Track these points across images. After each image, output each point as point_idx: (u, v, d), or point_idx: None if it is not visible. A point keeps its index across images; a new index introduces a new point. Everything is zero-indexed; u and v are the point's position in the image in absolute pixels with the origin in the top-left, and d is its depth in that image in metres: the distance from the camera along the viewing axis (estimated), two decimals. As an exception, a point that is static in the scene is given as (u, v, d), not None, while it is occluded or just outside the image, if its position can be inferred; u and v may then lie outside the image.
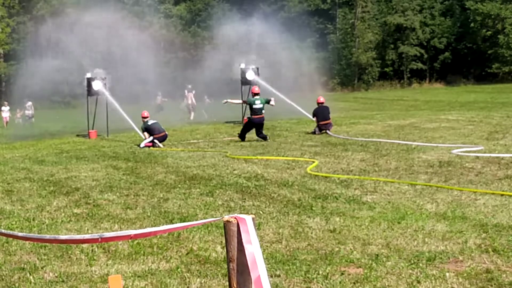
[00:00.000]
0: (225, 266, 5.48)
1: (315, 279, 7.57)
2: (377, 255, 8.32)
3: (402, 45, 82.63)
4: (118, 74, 40.71)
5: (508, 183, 13.00)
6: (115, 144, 26.11)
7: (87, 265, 8.50)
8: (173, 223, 10.58)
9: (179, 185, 14.46)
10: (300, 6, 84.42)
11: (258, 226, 9.97)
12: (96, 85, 30.91)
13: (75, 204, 12.79)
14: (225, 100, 26.60)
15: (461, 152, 17.63)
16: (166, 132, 25.20)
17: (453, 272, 7.56)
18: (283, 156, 18.95)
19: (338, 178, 14.43)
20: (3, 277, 8.20)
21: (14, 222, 11.28)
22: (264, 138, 24.05)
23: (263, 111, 24.73)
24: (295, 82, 58.62)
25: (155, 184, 14.80)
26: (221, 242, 8.89)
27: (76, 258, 8.82)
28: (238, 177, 15.28)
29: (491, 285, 7.15)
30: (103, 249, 9.14)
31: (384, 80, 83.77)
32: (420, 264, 7.88)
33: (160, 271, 8.13)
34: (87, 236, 5.82)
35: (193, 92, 47.34)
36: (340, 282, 7.42)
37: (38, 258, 8.91)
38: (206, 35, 74.24)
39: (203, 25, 78.62)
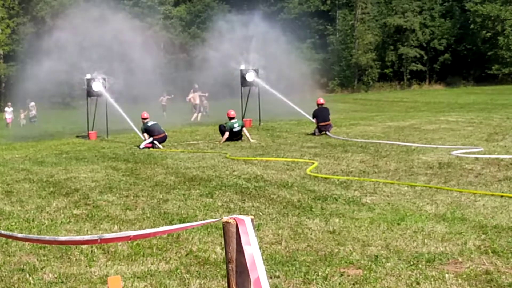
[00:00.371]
0: (225, 267, 5.48)
1: (314, 280, 7.57)
2: (377, 256, 8.32)
3: (402, 47, 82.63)
4: (117, 75, 40.70)
5: (508, 184, 13.00)
6: (114, 145, 26.11)
7: (86, 266, 8.50)
8: (172, 224, 10.58)
9: (179, 186, 14.46)
10: (300, 7, 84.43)
11: (257, 227, 9.97)
12: (96, 86, 30.90)
13: (74, 205, 12.79)
14: (221, 141, 26.13)
15: (460, 153, 17.63)
16: (166, 133, 25.21)
17: (453, 274, 7.56)
18: (282, 157, 18.94)
19: (338, 179, 14.43)
20: (3, 278, 8.21)
21: (13, 223, 11.28)
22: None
23: (243, 131, 25.44)
24: (295, 83, 58.61)
25: (154, 185, 14.80)
26: (221, 243, 8.89)
27: (76, 259, 8.83)
28: (238, 178, 15.28)
29: (491, 287, 7.16)
30: (103, 250, 9.14)
31: (384, 81, 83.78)
32: (420, 265, 7.88)
33: (159, 272, 8.13)
34: (86, 237, 5.81)
35: (199, 92, 47.24)
36: (339, 283, 7.43)
37: (37, 259, 8.91)
38: (206, 36, 74.17)
39: (203, 26, 78.59)
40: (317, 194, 12.81)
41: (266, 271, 4.94)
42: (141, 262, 8.58)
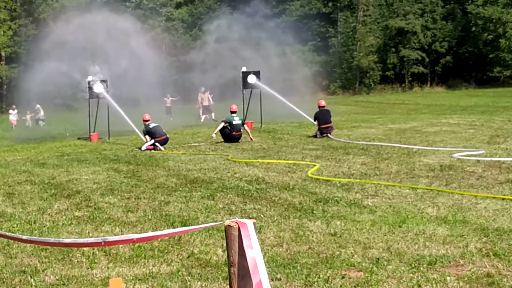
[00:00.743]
0: (226, 269, 5.49)
1: (316, 283, 7.57)
2: (378, 258, 8.32)
3: (403, 49, 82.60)
4: (119, 77, 40.73)
5: (509, 187, 13.00)
6: (116, 147, 26.12)
7: (88, 268, 8.51)
8: (174, 226, 10.60)
9: (180, 188, 14.47)
10: (302, 9, 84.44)
11: (259, 230, 9.98)
12: (97, 88, 30.92)
13: (76, 207, 12.80)
14: (214, 135, 26.40)
15: (462, 156, 17.63)
16: (168, 135, 25.23)
17: (454, 276, 7.56)
18: (284, 159, 18.95)
19: (339, 182, 14.43)
20: (4, 280, 8.21)
21: (15, 225, 11.29)
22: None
23: (241, 129, 25.59)
24: (296, 86, 58.59)
25: (156, 187, 14.80)
26: (222, 245, 8.89)
27: (77, 261, 8.83)
28: (239, 180, 15.29)
29: (492, 289, 7.17)
30: (104, 252, 9.15)
31: (386, 83, 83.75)
32: (421, 268, 7.88)
33: (161, 274, 8.13)
34: (90, 240, 5.83)
35: (208, 93, 47.30)
36: (341, 286, 7.43)
37: (39, 261, 8.92)
38: (208, 39, 74.20)
39: (204, 28, 78.60)
40: (319, 196, 12.82)
41: (267, 273, 4.94)
42: (142, 264, 8.59)
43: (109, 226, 10.94)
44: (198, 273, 8.07)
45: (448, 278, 7.51)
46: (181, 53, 78.71)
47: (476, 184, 13.58)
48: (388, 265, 8.03)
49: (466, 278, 7.48)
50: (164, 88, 53.09)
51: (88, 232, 10.57)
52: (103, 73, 33.92)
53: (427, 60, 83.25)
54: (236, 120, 25.54)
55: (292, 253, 8.81)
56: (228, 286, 5.06)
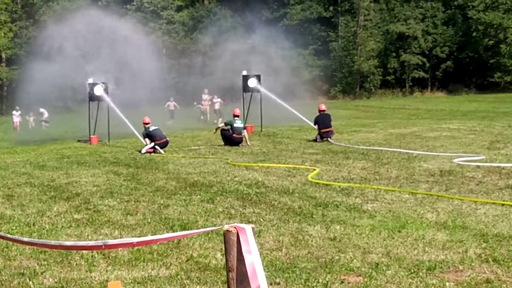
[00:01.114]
0: (225, 273, 5.48)
1: (315, 287, 7.56)
2: (377, 263, 8.32)
3: (404, 54, 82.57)
4: (120, 80, 40.75)
5: (509, 192, 12.99)
6: (116, 150, 26.12)
7: (87, 271, 8.50)
8: (173, 230, 10.59)
9: (180, 192, 14.46)
10: (302, 13, 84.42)
11: (258, 234, 9.97)
12: (98, 91, 30.92)
13: (75, 209, 12.79)
14: (216, 129, 27.08)
15: (462, 161, 17.62)
16: (168, 138, 25.24)
17: (453, 282, 7.55)
18: (284, 163, 18.94)
19: (339, 186, 14.43)
20: (3, 282, 8.20)
21: (14, 227, 11.28)
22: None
23: (242, 132, 25.52)
24: (297, 90, 58.57)
25: (155, 190, 14.80)
26: (221, 249, 8.89)
27: (76, 264, 8.82)
28: (239, 184, 15.29)
29: (491, 295, 7.16)
30: (103, 255, 9.14)
31: (386, 88, 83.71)
32: (420, 273, 7.87)
33: (159, 277, 8.12)
34: (91, 243, 5.83)
35: (215, 97, 47.37)
36: (340, 291, 7.43)
37: (38, 264, 8.91)
38: (208, 42, 74.24)
39: (205, 32, 78.66)
40: (318, 200, 12.81)
41: (266, 277, 4.94)
42: (141, 267, 8.58)
43: (108, 229, 10.93)
44: (197, 277, 8.07)
45: (447, 283, 7.50)
46: (182, 56, 78.77)
47: (476, 189, 13.57)
48: (387, 270, 8.02)
49: (465, 284, 7.47)
50: (163, 91, 53.05)
51: (87, 235, 10.57)
52: (102, 75, 33.88)
53: (427, 65, 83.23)
54: (238, 123, 25.57)
55: (291, 257, 8.80)
56: (227, 291, 5.05)
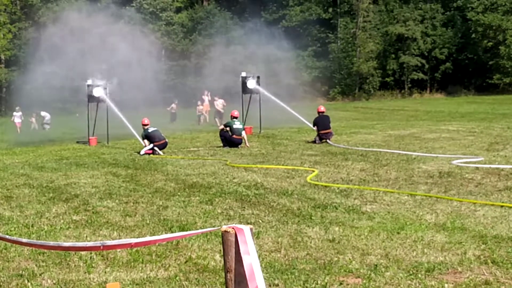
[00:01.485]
0: (224, 274, 5.47)
1: (313, 289, 7.56)
2: (376, 265, 8.31)
3: (403, 55, 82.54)
4: (119, 81, 40.73)
5: (508, 194, 12.99)
6: (115, 151, 26.11)
7: (85, 273, 8.49)
8: (172, 231, 10.58)
9: (179, 193, 14.46)
10: (302, 15, 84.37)
11: (257, 235, 9.97)
12: (97, 92, 30.92)
13: (74, 210, 12.78)
14: (221, 127, 27.36)
15: (461, 163, 17.62)
16: (166, 140, 25.24)
17: (452, 283, 7.55)
18: (283, 165, 18.94)
19: (338, 188, 14.42)
20: (1, 283, 8.19)
21: (13, 228, 11.27)
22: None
23: (241, 134, 25.56)
24: (296, 91, 58.58)
25: (154, 192, 14.79)
26: (220, 250, 8.87)
27: (75, 265, 8.81)
28: (238, 185, 15.28)
29: (490, 297, 7.16)
30: (102, 256, 9.13)
31: (385, 90, 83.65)
32: (419, 275, 7.87)
33: (158, 279, 8.12)
34: (89, 244, 5.82)
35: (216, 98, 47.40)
36: (338, 292, 7.42)
37: (36, 265, 8.90)
38: (207, 43, 74.23)
39: (204, 33, 78.65)
40: (317, 202, 12.81)
41: (265, 279, 4.93)
42: (140, 268, 8.57)
43: (107, 230, 10.92)
44: (196, 278, 8.06)
45: (446, 285, 7.50)
46: (181, 57, 78.75)
47: (474, 191, 13.57)
48: (386, 272, 8.02)
49: (464, 286, 7.47)
50: (162, 93, 53.04)
51: (86, 236, 10.56)
52: (102, 77, 33.87)
53: (426, 66, 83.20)
54: (237, 125, 25.61)
55: (290, 259, 8.79)
56: (225, 292, 5.05)
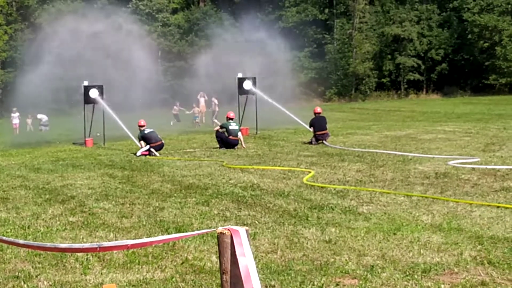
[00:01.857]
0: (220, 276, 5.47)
1: (310, 290, 7.56)
2: (372, 266, 8.31)
3: (399, 56, 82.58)
4: (115, 82, 40.69)
5: (504, 195, 13.00)
6: (111, 153, 26.10)
7: (81, 274, 8.48)
8: (168, 232, 10.58)
9: (175, 194, 14.45)
10: (298, 16, 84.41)
11: (253, 236, 9.96)
12: (93, 93, 30.91)
13: (70, 212, 12.77)
14: (216, 127, 27.54)
15: (457, 163, 17.63)
16: (163, 141, 25.23)
17: (448, 284, 7.55)
18: (279, 166, 18.94)
19: (334, 189, 14.42)
20: (-3, 285, 8.19)
21: (9, 230, 11.26)
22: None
23: (238, 134, 25.58)
24: (292, 92, 58.59)
25: (151, 193, 14.79)
26: (216, 252, 8.83)
27: (71, 267, 8.81)
28: (234, 186, 15.28)
29: (486, 298, 7.16)
30: (98, 258, 9.13)
31: (381, 90, 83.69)
32: (415, 276, 7.87)
33: (154, 280, 8.11)
34: (86, 245, 5.82)
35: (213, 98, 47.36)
36: (335, 293, 7.42)
37: (32, 267, 8.89)
38: (204, 44, 74.20)
39: (200, 34, 78.63)
40: (314, 203, 12.81)
41: (261, 280, 4.94)
42: (136, 270, 8.57)
43: (103, 231, 10.91)
44: (192, 280, 8.06)
45: (442, 286, 7.50)
46: (177, 58, 78.74)
47: (471, 191, 13.58)
48: (383, 273, 8.02)
49: (460, 286, 7.47)
50: (158, 94, 53.00)
51: (82, 238, 10.55)
52: (98, 79, 33.87)
53: (423, 67, 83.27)
54: (233, 126, 25.60)
55: (287, 260, 8.79)
56: (222, 294, 5.05)
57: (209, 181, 16.30)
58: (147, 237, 10.16)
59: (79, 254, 9.14)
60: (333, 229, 10.38)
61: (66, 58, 43.96)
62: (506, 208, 11.62)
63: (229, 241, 4.91)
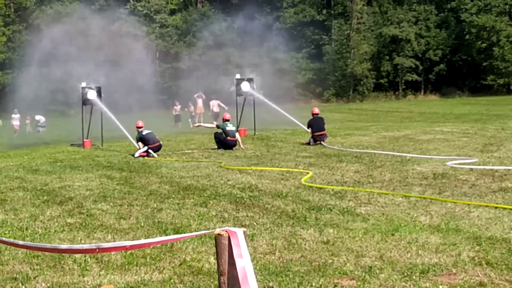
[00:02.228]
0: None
1: (308, 291, 7.56)
2: (371, 267, 8.31)
3: (397, 57, 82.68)
4: (113, 84, 40.70)
5: (502, 195, 13.00)
6: (109, 154, 26.09)
7: (79, 276, 8.47)
8: (166, 234, 10.57)
9: (173, 195, 14.44)
10: (296, 17, 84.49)
11: (251, 237, 9.96)
12: (91, 95, 30.90)
13: (68, 213, 12.76)
14: (198, 124, 27.36)
15: (455, 164, 17.63)
16: (161, 142, 25.23)
17: (446, 285, 7.55)
18: (277, 167, 18.94)
19: (332, 190, 14.42)
20: (-5, 287, 8.18)
21: (7, 232, 11.24)
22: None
23: (236, 135, 25.63)
24: (290, 93, 58.64)
25: (149, 194, 14.77)
26: (214, 253, 8.82)
27: (69, 268, 8.80)
28: (232, 187, 15.27)
29: (484, 298, 7.16)
30: (96, 259, 9.12)
31: (379, 91, 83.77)
32: (413, 277, 7.87)
33: (152, 282, 8.10)
34: (85, 246, 5.83)
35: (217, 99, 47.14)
36: (333, 294, 7.42)
37: (30, 268, 8.88)
38: (202, 45, 74.25)
39: (198, 35, 78.65)
40: (312, 204, 12.80)
41: (259, 281, 4.94)
42: (134, 271, 8.56)
43: (101, 233, 10.90)
44: (190, 281, 8.05)
45: (440, 287, 7.50)
46: (175, 60, 78.77)
47: (469, 192, 13.58)
48: (381, 274, 8.01)
49: (458, 287, 7.47)
50: (157, 95, 53.03)
51: (80, 239, 10.54)
52: (96, 80, 33.89)
53: (420, 68, 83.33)
54: (230, 127, 25.62)
55: (285, 261, 8.78)
56: (220, 295, 5.04)
57: (207, 182, 16.29)
58: (145, 239, 10.15)
59: (77, 255, 9.13)
60: (331, 230, 10.38)
61: (63, 59, 43.99)
62: (504, 208, 11.62)
63: (226, 242, 4.90)
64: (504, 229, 10.11)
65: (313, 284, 7.73)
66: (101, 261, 9.03)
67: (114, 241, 10.24)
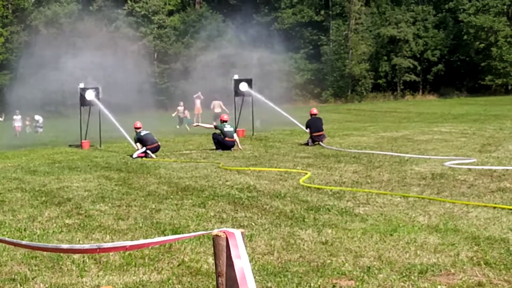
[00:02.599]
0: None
1: (306, 292, 7.56)
2: (369, 267, 8.30)
3: (395, 57, 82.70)
4: (111, 84, 40.72)
5: (501, 195, 13.00)
6: (107, 155, 26.07)
7: (78, 276, 8.47)
8: (165, 234, 10.56)
9: (171, 196, 14.44)
10: (294, 17, 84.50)
11: (250, 238, 9.96)
12: (89, 95, 30.87)
13: (66, 214, 12.75)
14: (196, 124, 27.42)
15: (453, 164, 17.64)
16: (159, 143, 25.20)
17: (445, 285, 7.55)
18: (275, 167, 18.94)
19: (331, 190, 14.42)
20: (-7, 288, 8.18)
21: (5, 233, 11.24)
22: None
23: (234, 136, 25.62)
24: (289, 93, 58.64)
25: (147, 195, 14.77)
26: (213, 253, 8.86)
27: (67, 269, 8.79)
28: (231, 188, 15.27)
29: (483, 298, 7.16)
30: (94, 260, 9.11)
31: (377, 91, 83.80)
32: (412, 277, 7.87)
33: (151, 282, 8.10)
34: (86, 246, 5.82)
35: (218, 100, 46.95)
36: (331, 295, 7.41)
37: (29, 269, 8.87)
38: (200, 46, 74.23)
39: (196, 36, 78.65)
40: (310, 204, 12.80)
41: (258, 282, 4.94)
42: (133, 272, 8.55)
43: (99, 234, 10.89)
44: (189, 282, 8.04)
45: (439, 287, 7.50)
46: (173, 60, 78.76)
47: (467, 192, 13.58)
48: (379, 274, 8.01)
49: (457, 287, 7.47)
50: (156, 96, 53.02)
51: (79, 240, 10.53)
52: (94, 81, 33.88)
53: (419, 68, 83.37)
54: (228, 128, 25.60)
55: (283, 261, 8.78)
56: (218, 296, 5.04)
57: (205, 183, 16.29)
58: (144, 239, 10.14)
59: (76, 256, 9.13)
60: (329, 231, 10.37)
61: (61, 60, 43.96)
62: (503, 208, 11.63)
63: (224, 243, 4.90)
64: (502, 229, 10.11)
65: (312, 284, 7.73)
66: (100, 262, 9.03)
67: (112, 241, 10.23)
